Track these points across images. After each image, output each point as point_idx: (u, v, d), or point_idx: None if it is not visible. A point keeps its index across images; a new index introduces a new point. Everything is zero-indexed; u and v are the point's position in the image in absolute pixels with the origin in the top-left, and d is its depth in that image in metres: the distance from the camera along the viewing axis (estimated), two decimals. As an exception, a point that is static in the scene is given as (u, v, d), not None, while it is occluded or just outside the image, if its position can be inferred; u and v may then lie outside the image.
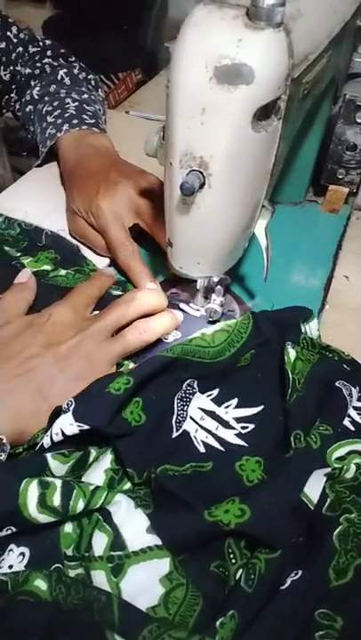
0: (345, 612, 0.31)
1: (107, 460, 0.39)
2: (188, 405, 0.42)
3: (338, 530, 0.35)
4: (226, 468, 0.39)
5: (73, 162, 0.62)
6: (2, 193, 0.68)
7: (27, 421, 0.39)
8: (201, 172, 0.37)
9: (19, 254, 0.55)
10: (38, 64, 0.74)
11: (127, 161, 0.62)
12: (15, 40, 0.73)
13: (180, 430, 0.41)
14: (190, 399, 0.42)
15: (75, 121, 0.65)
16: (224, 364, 0.43)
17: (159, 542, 0.35)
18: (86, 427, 0.37)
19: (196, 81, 0.34)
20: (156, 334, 0.45)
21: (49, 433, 0.37)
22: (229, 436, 0.41)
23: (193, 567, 0.34)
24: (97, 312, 0.48)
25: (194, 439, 0.41)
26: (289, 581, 0.32)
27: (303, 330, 0.46)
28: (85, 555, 0.34)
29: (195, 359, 0.42)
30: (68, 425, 0.37)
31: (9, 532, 0.34)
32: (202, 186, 0.38)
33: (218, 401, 0.43)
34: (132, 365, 0.45)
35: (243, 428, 0.41)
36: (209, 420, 0.42)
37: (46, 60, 0.74)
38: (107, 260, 0.58)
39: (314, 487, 0.37)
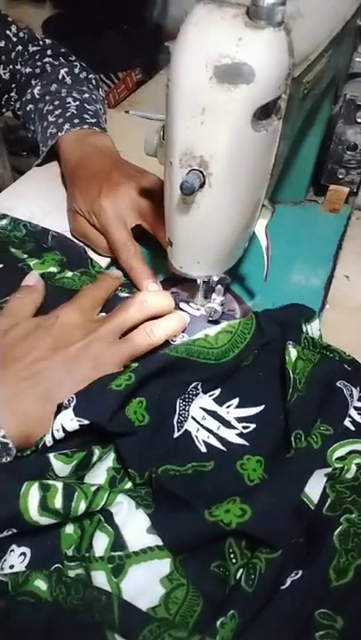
0: (345, 613, 0.31)
1: (109, 458, 0.39)
2: (189, 405, 0.42)
3: (338, 530, 0.35)
4: (227, 468, 0.39)
5: (74, 161, 0.62)
6: (1, 193, 0.68)
7: (34, 425, 0.39)
8: (201, 172, 0.37)
9: (25, 256, 0.55)
10: (39, 63, 0.74)
11: (128, 161, 0.62)
12: (15, 39, 0.73)
13: (182, 430, 0.41)
14: (193, 399, 0.42)
15: (76, 120, 0.65)
16: (228, 366, 0.43)
17: (160, 542, 0.35)
18: (86, 422, 0.37)
19: (196, 80, 0.33)
20: (164, 336, 0.45)
21: (50, 430, 0.37)
22: (231, 436, 0.41)
23: (193, 567, 0.34)
24: (103, 314, 0.48)
25: (195, 439, 0.41)
26: (289, 581, 0.32)
27: (305, 330, 0.46)
28: (86, 555, 0.34)
29: (200, 360, 0.42)
30: (68, 420, 0.37)
31: (10, 532, 0.34)
32: (202, 185, 0.38)
33: (219, 401, 0.43)
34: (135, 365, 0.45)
35: (244, 427, 0.41)
36: (210, 420, 0.42)
37: (47, 60, 0.74)
38: (107, 260, 0.58)
39: (314, 487, 0.37)
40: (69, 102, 0.68)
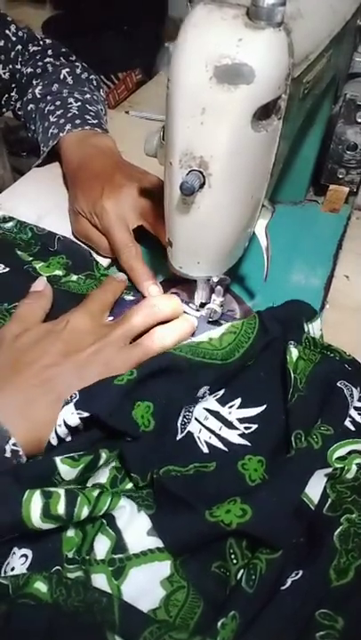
0: (346, 613, 0.31)
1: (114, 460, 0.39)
2: (194, 407, 0.42)
3: (339, 530, 0.35)
4: (228, 469, 0.39)
5: (76, 162, 0.62)
6: (2, 193, 0.68)
7: (45, 431, 0.38)
8: (201, 172, 0.37)
9: (30, 259, 0.55)
10: (40, 63, 0.74)
11: (130, 162, 0.62)
12: (14, 38, 0.73)
13: (185, 432, 0.41)
14: (198, 402, 0.42)
15: (77, 121, 0.65)
16: (234, 366, 0.43)
17: (160, 545, 0.35)
18: (85, 414, 0.37)
19: (196, 81, 0.33)
20: (174, 340, 0.45)
21: (54, 428, 0.37)
22: (233, 437, 0.41)
23: (194, 567, 0.34)
24: (111, 317, 0.48)
25: (197, 439, 0.41)
26: (290, 582, 0.32)
27: (306, 329, 0.46)
28: (86, 558, 0.34)
29: (206, 360, 0.42)
30: (69, 414, 0.37)
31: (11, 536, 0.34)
32: (202, 186, 0.38)
33: (222, 401, 0.43)
34: None
35: (246, 428, 0.41)
36: (213, 420, 0.42)
37: (48, 60, 0.74)
38: (108, 260, 0.58)
39: (315, 487, 0.37)
40: (71, 103, 0.68)
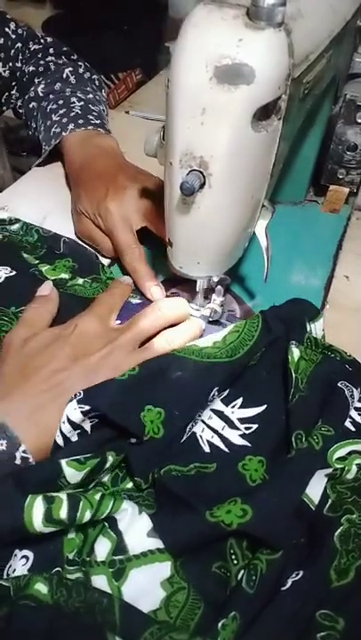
0: (347, 613, 0.31)
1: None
2: (203, 412, 0.42)
3: (339, 530, 0.35)
4: (229, 470, 0.39)
5: (79, 162, 0.62)
6: (2, 193, 0.68)
7: (54, 436, 0.38)
8: (201, 172, 0.37)
9: (37, 262, 0.55)
10: (42, 62, 0.74)
11: (132, 163, 0.62)
12: (13, 36, 0.73)
13: (189, 433, 0.41)
14: (208, 405, 0.42)
15: (80, 121, 0.65)
16: (239, 364, 0.42)
17: (160, 546, 0.34)
18: (87, 407, 0.37)
19: (196, 81, 0.33)
20: (183, 343, 0.44)
21: (58, 426, 0.37)
22: (234, 437, 0.41)
23: (194, 568, 0.34)
24: (118, 321, 0.48)
25: (200, 438, 0.41)
26: (290, 582, 0.32)
27: (309, 329, 0.46)
28: (87, 559, 0.34)
29: (211, 360, 0.41)
30: (72, 410, 0.37)
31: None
32: (202, 186, 0.38)
33: (226, 401, 0.43)
34: None
35: (246, 428, 0.41)
36: (216, 420, 0.42)
37: (50, 58, 0.74)
38: (108, 261, 0.58)
39: (315, 488, 0.37)
40: (74, 102, 0.68)
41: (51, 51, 0.75)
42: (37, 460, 0.37)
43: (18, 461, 0.36)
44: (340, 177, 0.64)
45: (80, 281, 0.54)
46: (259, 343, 0.43)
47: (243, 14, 0.32)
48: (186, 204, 0.39)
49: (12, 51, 0.73)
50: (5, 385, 0.40)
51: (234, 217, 0.41)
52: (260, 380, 0.44)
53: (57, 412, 0.38)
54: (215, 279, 0.47)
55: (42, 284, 0.50)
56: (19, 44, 0.73)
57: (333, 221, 0.66)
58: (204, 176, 0.37)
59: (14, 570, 0.33)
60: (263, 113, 0.35)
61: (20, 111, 0.77)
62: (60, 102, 0.68)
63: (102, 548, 0.34)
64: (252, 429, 0.41)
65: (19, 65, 0.74)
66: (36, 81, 0.73)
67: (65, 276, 0.54)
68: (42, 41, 0.76)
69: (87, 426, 0.38)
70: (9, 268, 0.52)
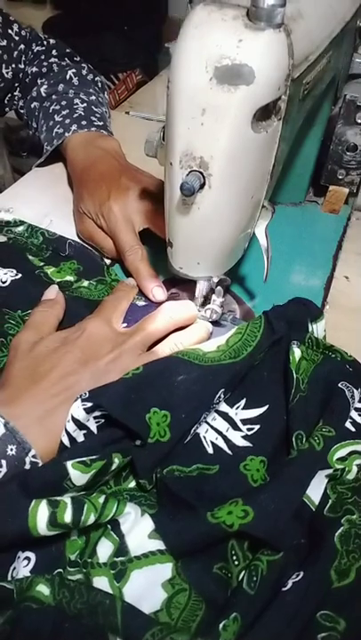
0: (347, 614, 0.31)
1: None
2: (208, 414, 0.42)
3: (339, 531, 0.35)
4: (231, 472, 0.39)
5: (82, 163, 0.62)
6: (2, 193, 0.68)
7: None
8: (201, 173, 0.37)
9: (42, 264, 0.55)
10: (45, 63, 0.74)
11: (133, 164, 0.62)
12: (17, 38, 0.73)
13: (193, 433, 0.41)
14: (214, 407, 0.42)
15: (83, 122, 0.65)
16: (243, 365, 0.42)
17: (161, 547, 0.34)
18: (89, 404, 0.37)
19: (196, 81, 0.34)
20: (190, 346, 0.44)
21: (63, 426, 0.37)
22: (237, 439, 0.41)
23: (196, 569, 0.34)
24: (125, 324, 0.48)
25: (203, 439, 0.41)
26: (291, 583, 0.32)
27: (310, 329, 0.46)
28: (88, 561, 0.34)
29: (215, 364, 0.41)
30: (76, 408, 0.37)
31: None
32: (202, 186, 0.38)
33: (231, 402, 0.43)
34: None
35: (248, 429, 0.41)
36: (220, 421, 0.42)
37: (53, 60, 0.74)
38: (108, 260, 0.58)
39: (315, 488, 0.37)
40: (77, 103, 0.68)
41: (54, 52, 0.75)
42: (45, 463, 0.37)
43: (27, 466, 0.36)
44: (340, 177, 0.64)
45: (85, 283, 0.54)
46: (262, 343, 0.43)
47: (243, 15, 0.32)
48: (186, 204, 0.39)
49: (16, 52, 0.73)
50: (14, 389, 0.40)
51: (234, 217, 0.41)
52: (262, 380, 0.44)
53: (66, 417, 0.38)
54: (215, 279, 0.47)
55: (48, 287, 0.50)
56: (22, 46, 0.74)
57: (333, 222, 0.66)
58: (203, 176, 0.37)
59: (18, 572, 0.33)
60: (263, 113, 0.35)
61: (22, 111, 0.77)
62: (63, 103, 0.69)
63: (104, 549, 0.34)
64: (254, 430, 0.41)
65: (22, 66, 0.74)
66: (39, 82, 0.73)
67: (70, 278, 0.54)
68: (45, 43, 0.76)
69: (93, 426, 0.37)
70: (14, 271, 0.52)
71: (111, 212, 0.54)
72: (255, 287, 0.55)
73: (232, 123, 0.35)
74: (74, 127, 0.65)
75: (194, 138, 0.36)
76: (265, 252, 0.47)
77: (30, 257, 0.55)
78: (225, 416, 0.42)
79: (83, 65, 0.76)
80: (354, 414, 0.42)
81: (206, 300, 0.49)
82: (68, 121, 0.66)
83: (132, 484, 0.39)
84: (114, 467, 0.36)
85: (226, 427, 0.41)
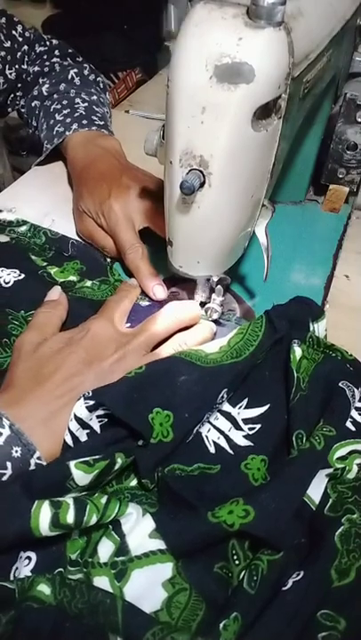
0: (348, 613, 0.31)
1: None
2: (211, 414, 0.42)
3: (340, 530, 0.35)
4: (233, 472, 0.39)
5: (82, 162, 0.62)
6: (1, 193, 0.68)
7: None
8: (201, 171, 0.37)
9: (45, 264, 0.55)
10: (47, 62, 0.74)
11: (133, 163, 0.62)
12: (20, 39, 0.73)
13: (195, 433, 0.41)
14: (217, 407, 0.42)
15: (84, 121, 0.66)
16: (245, 364, 0.42)
17: (162, 547, 0.34)
18: (91, 402, 0.37)
19: (196, 80, 0.33)
20: (194, 346, 0.44)
21: (65, 424, 0.37)
22: (238, 438, 0.41)
23: (196, 569, 0.34)
24: (128, 324, 0.48)
25: (205, 439, 0.41)
26: (291, 582, 0.32)
27: (312, 328, 0.46)
28: (89, 560, 0.34)
29: (217, 365, 0.41)
30: (78, 407, 0.37)
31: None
32: (202, 185, 0.37)
33: (233, 402, 0.43)
34: None
35: (250, 429, 0.41)
36: (223, 421, 0.42)
37: (55, 60, 0.75)
38: (108, 260, 0.58)
39: (316, 488, 0.37)
40: (78, 103, 0.68)
41: (56, 52, 0.75)
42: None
43: (32, 468, 0.36)
44: (340, 176, 0.64)
45: (88, 283, 0.54)
46: (264, 342, 0.43)
47: (243, 13, 0.32)
48: (186, 203, 0.39)
49: (19, 54, 0.73)
50: (18, 390, 0.40)
51: (234, 216, 0.41)
52: (263, 379, 0.44)
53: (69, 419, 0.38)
54: (215, 278, 0.47)
55: (51, 288, 0.50)
56: (25, 47, 0.74)
57: (333, 221, 0.66)
58: (203, 175, 0.37)
59: (20, 572, 0.33)
60: (263, 112, 0.35)
61: (22, 110, 0.77)
62: (65, 102, 0.69)
63: (105, 549, 0.34)
64: (256, 429, 0.41)
65: (24, 67, 0.74)
66: (41, 81, 0.74)
67: (73, 278, 0.54)
68: (47, 43, 0.76)
69: (96, 425, 0.37)
70: (18, 271, 0.51)
71: (112, 210, 0.54)
72: (255, 286, 0.55)
73: (232, 121, 0.35)
74: (75, 126, 0.65)
75: (194, 136, 0.36)
76: (265, 251, 0.47)
77: (33, 257, 0.55)
78: (228, 416, 0.42)
79: (85, 65, 0.76)
80: (354, 413, 0.42)
81: (206, 299, 0.49)
82: (68, 120, 0.66)
83: (134, 483, 0.39)
84: (117, 467, 0.36)
85: (228, 426, 0.41)
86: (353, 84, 0.59)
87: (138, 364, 0.40)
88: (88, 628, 0.30)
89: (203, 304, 0.49)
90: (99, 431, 0.37)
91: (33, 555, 0.34)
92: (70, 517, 0.32)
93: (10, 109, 0.78)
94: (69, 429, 0.37)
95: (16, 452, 0.35)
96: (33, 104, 0.73)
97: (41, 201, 0.66)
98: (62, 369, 0.41)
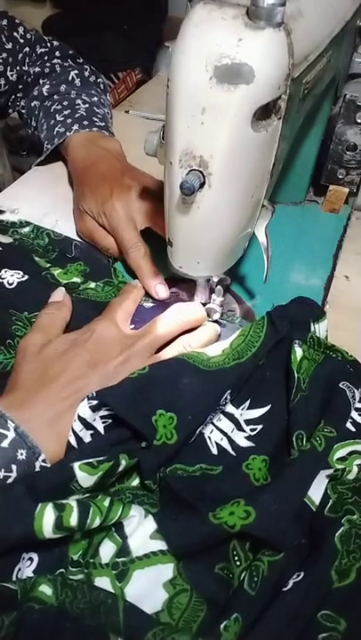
0: (348, 614, 0.31)
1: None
2: (215, 415, 0.42)
3: (340, 531, 0.35)
4: (234, 473, 0.39)
5: (83, 162, 0.62)
6: (1, 192, 0.68)
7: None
8: (201, 172, 0.37)
9: (48, 265, 0.55)
10: (48, 63, 0.74)
11: (132, 164, 0.62)
12: (22, 40, 0.73)
13: (198, 433, 0.41)
14: (220, 408, 0.42)
15: (85, 122, 0.66)
16: (247, 366, 0.42)
17: (163, 547, 0.34)
18: (95, 402, 0.37)
19: (196, 80, 0.33)
20: (198, 348, 0.44)
21: (70, 426, 0.37)
22: (240, 439, 0.41)
23: (197, 570, 0.34)
24: (132, 326, 0.48)
25: (208, 440, 0.41)
26: (291, 583, 0.32)
27: (312, 329, 0.46)
28: (90, 561, 0.34)
29: (221, 369, 0.41)
30: (82, 407, 0.37)
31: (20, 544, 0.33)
32: (202, 185, 0.37)
33: (237, 403, 0.43)
34: None
35: (252, 430, 0.41)
36: (226, 422, 0.42)
37: (55, 61, 0.75)
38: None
39: (316, 488, 0.37)
40: (79, 104, 0.69)
41: (57, 53, 0.75)
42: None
43: (37, 470, 0.36)
44: (340, 177, 0.64)
45: (92, 285, 0.54)
46: (266, 343, 0.43)
47: (242, 14, 0.32)
48: (186, 203, 0.39)
49: (20, 55, 0.73)
50: (23, 392, 0.40)
51: (234, 217, 0.41)
52: (264, 380, 0.44)
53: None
54: (215, 279, 0.47)
55: (54, 289, 0.50)
56: (27, 49, 0.74)
57: (333, 221, 0.66)
58: (203, 176, 0.37)
59: (23, 573, 0.33)
60: (263, 113, 0.35)
61: (22, 111, 0.77)
62: (65, 103, 0.69)
63: (106, 550, 0.34)
64: (257, 430, 0.41)
65: (25, 68, 0.74)
66: (41, 82, 0.74)
67: (77, 279, 0.54)
68: (48, 44, 0.76)
69: (100, 426, 0.37)
70: (21, 273, 0.51)
71: (114, 209, 0.54)
72: (255, 286, 0.55)
73: (232, 122, 0.34)
74: (75, 127, 0.65)
75: (194, 137, 0.36)
76: (265, 252, 0.47)
77: (37, 258, 0.55)
78: (231, 417, 0.42)
79: (85, 66, 0.76)
80: (354, 414, 0.42)
81: (206, 300, 0.49)
82: (69, 121, 0.66)
83: (135, 483, 0.39)
84: (121, 468, 0.36)
85: (231, 428, 0.41)
86: (353, 85, 0.59)
87: (142, 367, 0.40)
88: (89, 629, 0.30)
89: (203, 305, 0.49)
90: (102, 432, 0.37)
91: (35, 556, 0.34)
92: (74, 520, 0.32)
93: (11, 110, 0.78)
94: (73, 430, 0.37)
95: (21, 454, 0.35)
96: (33, 104, 0.73)
97: (41, 201, 0.66)
98: (67, 371, 0.41)
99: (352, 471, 0.38)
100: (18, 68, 0.73)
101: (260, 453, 0.40)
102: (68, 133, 0.65)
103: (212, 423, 0.41)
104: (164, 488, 0.37)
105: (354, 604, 0.32)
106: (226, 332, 0.49)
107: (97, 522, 0.33)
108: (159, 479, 0.38)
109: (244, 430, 0.41)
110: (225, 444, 0.40)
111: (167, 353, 0.44)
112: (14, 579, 0.33)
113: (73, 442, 0.37)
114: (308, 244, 0.62)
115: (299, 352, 0.43)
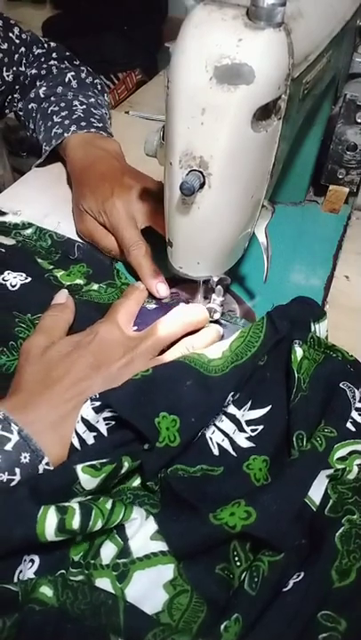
0: (349, 614, 0.31)
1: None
2: (217, 417, 0.42)
3: (340, 531, 0.35)
4: (235, 474, 0.39)
5: (82, 162, 0.62)
6: (2, 193, 0.68)
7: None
8: (201, 172, 0.37)
9: (51, 267, 0.55)
10: (44, 65, 0.74)
11: (132, 164, 0.62)
12: (17, 41, 0.73)
13: (199, 434, 0.41)
14: (223, 410, 0.42)
15: (83, 123, 0.66)
16: (245, 366, 0.42)
17: (164, 548, 0.34)
18: (97, 403, 0.37)
19: (196, 81, 0.33)
20: (200, 350, 0.44)
21: (73, 428, 0.37)
22: (241, 440, 0.41)
23: (197, 570, 0.34)
24: (135, 327, 0.48)
25: (209, 440, 0.41)
26: (292, 583, 0.32)
27: (313, 329, 0.46)
28: (91, 562, 0.34)
29: (222, 374, 0.41)
30: (85, 408, 0.37)
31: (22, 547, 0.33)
32: (202, 186, 0.37)
33: (239, 404, 0.43)
34: None
35: (252, 430, 0.41)
36: (228, 423, 0.41)
37: (52, 62, 0.75)
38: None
39: (316, 489, 0.37)
40: (76, 105, 0.69)
41: (54, 55, 0.75)
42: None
43: (41, 473, 0.36)
44: (340, 177, 0.64)
45: (95, 286, 0.54)
46: (266, 343, 0.43)
47: (243, 14, 0.32)
48: (186, 204, 0.39)
49: (16, 55, 0.73)
50: (26, 394, 0.40)
51: (234, 217, 0.41)
52: (265, 380, 0.44)
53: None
54: (215, 279, 0.47)
55: (57, 291, 0.50)
56: (22, 49, 0.74)
57: (333, 221, 0.66)
58: (203, 176, 0.37)
59: (24, 574, 0.33)
60: (263, 113, 0.35)
61: (20, 113, 0.78)
62: (62, 105, 0.69)
63: (107, 552, 0.34)
64: (258, 431, 0.41)
65: (22, 69, 0.74)
66: (38, 84, 0.74)
67: (80, 281, 0.54)
68: (45, 45, 0.76)
69: (103, 428, 0.37)
70: (24, 275, 0.51)
71: (114, 207, 0.54)
72: (255, 287, 0.55)
73: (232, 122, 0.35)
74: (73, 128, 0.65)
75: (194, 137, 0.36)
76: (265, 252, 0.47)
77: (39, 260, 0.55)
78: (233, 418, 0.42)
79: (82, 68, 0.76)
80: (354, 414, 0.42)
81: (206, 300, 0.49)
82: (67, 122, 0.66)
83: (136, 483, 0.39)
84: (123, 470, 0.36)
85: (233, 429, 0.41)
86: (353, 85, 0.59)
87: (145, 368, 0.40)
88: (90, 630, 0.30)
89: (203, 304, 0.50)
90: (105, 434, 0.37)
91: (36, 557, 0.34)
92: (76, 523, 0.32)
93: (7, 111, 0.79)
94: (76, 432, 0.37)
95: (25, 457, 0.35)
96: (30, 106, 0.73)
97: (41, 202, 0.66)
98: (71, 373, 0.40)
99: (352, 471, 0.38)
100: (14, 68, 0.73)
101: (260, 454, 0.40)
102: (65, 134, 0.65)
103: (214, 424, 0.41)
104: (165, 488, 0.37)
105: (354, 604, 0.32)
106: (227, 332, 0.49)
107: (99, 524, 0.33)
108: (160, 480, 0.38)
109: (245, 431, 0.41)
110: (226, 444, 0.40)
111: (170, 355, 0.44)
112: (15, 580, 0.33)
113: (76, 444, 0.37)
114: (308, 244, 0.62)
115: (299, 352, 0.43)
